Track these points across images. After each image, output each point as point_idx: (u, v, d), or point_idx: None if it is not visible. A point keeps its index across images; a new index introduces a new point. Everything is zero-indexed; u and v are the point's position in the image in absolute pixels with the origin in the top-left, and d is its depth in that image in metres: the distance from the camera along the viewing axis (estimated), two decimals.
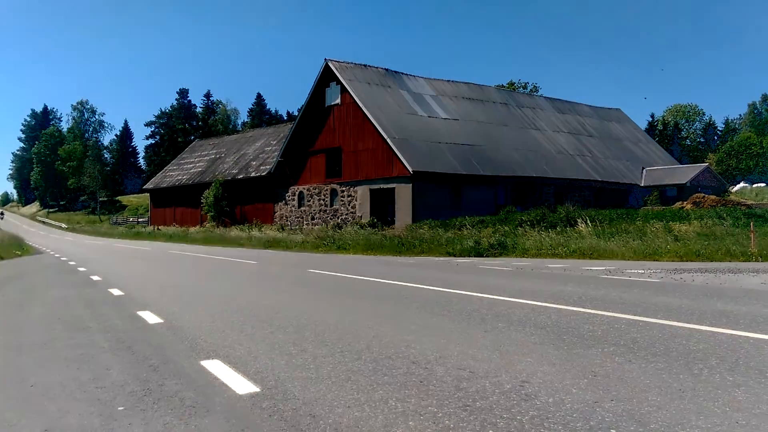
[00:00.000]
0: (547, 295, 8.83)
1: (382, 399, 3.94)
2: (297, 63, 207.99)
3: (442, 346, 5.49)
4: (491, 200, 37.24)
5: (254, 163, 51.24)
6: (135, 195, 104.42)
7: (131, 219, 79.33)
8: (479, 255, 19.56)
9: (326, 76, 40.43)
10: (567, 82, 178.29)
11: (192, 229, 48.97)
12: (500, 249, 20.17)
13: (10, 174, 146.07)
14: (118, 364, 5.20)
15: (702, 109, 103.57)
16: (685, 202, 37.22)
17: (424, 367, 4.74)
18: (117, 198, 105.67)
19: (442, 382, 4.30)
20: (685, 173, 47.45)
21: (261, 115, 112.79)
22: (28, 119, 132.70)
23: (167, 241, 42.95)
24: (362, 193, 37.71)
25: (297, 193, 43.26)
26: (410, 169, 33.79)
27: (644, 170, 49.35)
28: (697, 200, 36.26)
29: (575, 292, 9.18)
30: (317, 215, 41.16)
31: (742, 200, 41.89)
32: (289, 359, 5.12)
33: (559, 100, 55.07)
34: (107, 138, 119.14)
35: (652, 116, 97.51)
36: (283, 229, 40.55)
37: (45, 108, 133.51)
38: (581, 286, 9.96)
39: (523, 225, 25.16)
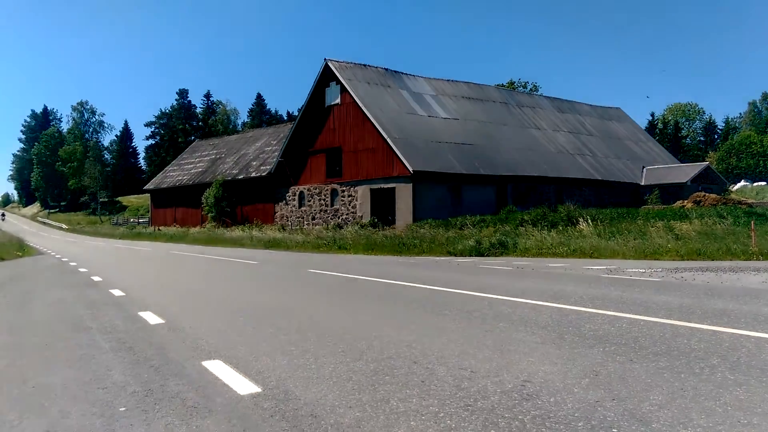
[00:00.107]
0: (548, 294, 8.83)
1: (384, 399, 3.94)
2: (297, 63, 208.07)
3: (444, 345, 5.49)
4: (491, 200, 37.22)
5: (254, 163, 51.23)
6: (135, 195, 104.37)
7: (132, 219, 79.31)
8: (480, 254, 19.56)
9: (326, 76, 40.41)
10: (567, 81, 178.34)
11: (193, 230, 48.96)
12: (501, 248, 20.16)
13: (10, 175, 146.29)
14: (120, 365, 5.21)
15: (702, 108, 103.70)
16: (686, 201, 37.20)
17: (425, 366, 4.75)
18: (117, 199, 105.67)
19: (443, 381, 4.30)
20: (685, 172, 47.41)
21: (261, 115, 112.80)
22: (28, 120, 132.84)
23: (168, 241, 42.97)
24: (362, 192, 37.71)
25: (297, 193, 43.26)
26: (410, 169, 33.78)
27: (644, 169, 49.31)
28: (698, 199, 36.24)
29: (576, 291, 9.18)
30: (318, 215, 41.15)
31: (742, 199, 41.87)
32: (290, 359, 5.12)
33: (559, 99, 55.05)
34: (107, 138, 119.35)
35: (653, 115, 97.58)
36: (283, 229, 40.54)
37: (45, 109, 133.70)
38: (582, 286, 9.96)
39: (524, 224, 25.14)
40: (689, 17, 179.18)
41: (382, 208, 36.61)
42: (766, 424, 3.31)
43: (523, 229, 23.76)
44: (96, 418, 3.81)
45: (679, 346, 5.22)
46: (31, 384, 4.71)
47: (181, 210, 58.80)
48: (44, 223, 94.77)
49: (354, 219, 37.61)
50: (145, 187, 71.59)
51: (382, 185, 36.33)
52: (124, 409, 3.97)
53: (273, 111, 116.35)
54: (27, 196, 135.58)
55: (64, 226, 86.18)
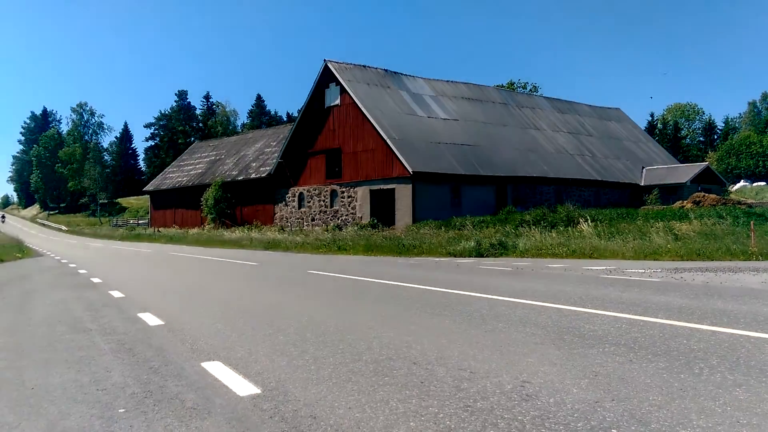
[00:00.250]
0: (547, 295, 8.83)
1: (383, 400, 3.94)
2: (296, 64, 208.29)
3: (443, 346, 5.49)
4: (491, 200, 37.24)
5: (254, 164, 51.23)
6: (135, 197, 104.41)
7: (131, 221, 79.31)
8: (480, 255, 19.56)
9: (325, 77, 40.43)
10: (566, 82, 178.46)
11: (192, 231, 48.94)
12: (501, 249, 20.16)
13: (10, 176, 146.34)
14: (119, 366, 5.21)
15: (701, 108, 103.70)
16: (685, 202, 37.21)
17: (424, 367, 4.74)
18: (117, 200, 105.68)
19: (442, 382, 4.30)
20: (685, 172, 47.42)
21: (261, 117, 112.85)
22: (28, 122, 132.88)
23: (168, 242, 42.96)
24: (362, 193, 37.71)
25: (297, 194, 43.26)
26: (410, 170, 33.79)
27: (644, 169, 49.34)
28: (697, 199, 36.26)
29: (576, 291, 9.18)
30: (317, 216, 41.15)
31: (742, 199, 41.93)
32: (289, 360, 5.12)
33: (559, 99, 55.07)
34: (107, 140, 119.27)
35: (652, 116, 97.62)
36: (283, 231, 40.54)
37: (44, 110, 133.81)
38: (581, 286, 9.96)
39: (524, 225, 25.16)
40: (689, 17, 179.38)
41: (382, 209, 36.61)
42: (766, 425, 3.31)
43: (523, 229, 23.77)
44: (95, 419, 3.81)
45: (678, 346, 5.22)
46: (31, 385, 4.71)
47: (181, 211, 58.79)
48: (44, 225, 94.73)
49: (354, 220, 37.61)
50: (144, 189, 71.61)
51: (382, 186, 36.34)
52: (123, 410, 3.97)
53: (273, 112, 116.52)
54: (26, 198, 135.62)
55: (63, 227, 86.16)
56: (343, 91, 39.02)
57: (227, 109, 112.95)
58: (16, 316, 8.73)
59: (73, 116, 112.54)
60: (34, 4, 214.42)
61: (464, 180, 36.29)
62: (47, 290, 12.32)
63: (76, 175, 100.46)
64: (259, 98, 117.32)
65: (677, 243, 17.59)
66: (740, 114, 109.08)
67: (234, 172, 52.35)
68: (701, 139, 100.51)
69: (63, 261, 23.65)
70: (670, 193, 44.30)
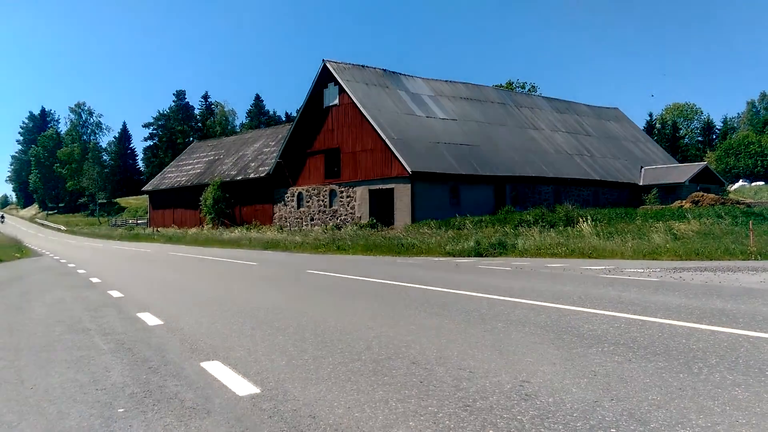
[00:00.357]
0: (546, 294, 8.83)
1: (383, 399, 3.94)
2: (295, 64, 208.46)
3: (442, 346, 5.49)
4: (490, 200, 37.25)
5: (253, 164, 51.21)
6: (134, 197, 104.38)
7: (130, 221, 79.27)
8: (479, 255, 19.56)
9: (324, 77, 40.41)
10: (565, 81, 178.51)
11: (191, 231, 48.90)
12: (500, 249, 20.17)
13: (8, 176, 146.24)
14: (118, 366, 5.20)
15: (700, 108, 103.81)
16: (684, 201, 37.25)
17: (424, 367, 4.74)
18: (116, 200, 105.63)
19: (442, 382, 4.31)
20: (683, 172, 47.44)
21: (259, 116, 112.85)
22: (26, 122, 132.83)
23: (166, 242, 42.94)
24: (361, 193, 37.70)
25: (296, 194, 43.25)
26: (409, 170, 33.79)
27: (643, 169, 49.36)
28: (696, 199, 36.29)
29: (575, 291, 9.19)
30: (316, 216, 41.14)
31: (740, 199, 41.98)
32: (289, 360, 5.12)
33: (557, 99, 55.09)
34: (105, 140, 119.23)
35: (651, 115, 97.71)
36: (282, 231, 40.52)
37: (43, 110, 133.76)
38: (581, 286, 9.97)
39: (523, 225, 25.18)
40: (688, 17, 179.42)
41: (381, 208, 36.61)
42: (765, 424, 3.31)
43: (522, 229, 23.78)
44: (95, 419, 3.81)
45: (677, 345, 5.23)
46: (30, 385, 4.71)
47: (180, 211, 58.75)
48: (42, 225, 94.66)
49: (353, 220, 37.60)
50: (143, 189, 71.57)
51: (381, 186, 36.34)
52: (122, 410, 3.97)
53: (271, 112, 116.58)
54: (25, 198, 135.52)
55: (62, 227, 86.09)
56: (341, 91, 39.01)
57: (226, 109, 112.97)
58: (15, 316, 8.73)
59: (72, 116, 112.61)
60: (31, 4, 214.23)
61: (463, 180, 36.30)
62: (46, 290, 12.31)
63: (75, 175, 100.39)
64: (257, 98, 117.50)
65: (676, 243, 17.61)
66: (739, 114, 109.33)
67: (233, 172, 52.32)
68: (700, 138, 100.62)
69: (62, 261, 23.63)
70: (668, 192, 44.33)
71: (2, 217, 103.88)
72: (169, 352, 5.71)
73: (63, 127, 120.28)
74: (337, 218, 39.16)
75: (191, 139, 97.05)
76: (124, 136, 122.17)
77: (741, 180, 72.55)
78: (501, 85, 71.66)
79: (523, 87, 78.42)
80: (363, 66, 41.86)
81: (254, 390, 4.25)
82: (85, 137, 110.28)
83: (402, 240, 24.95)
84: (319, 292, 10.60)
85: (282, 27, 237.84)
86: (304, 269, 15.89)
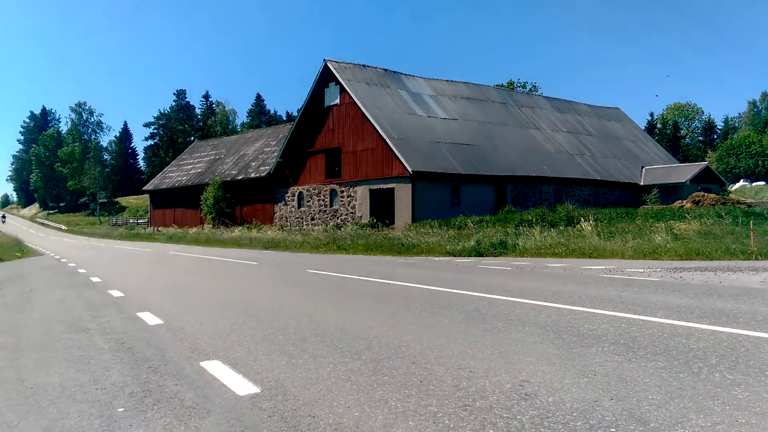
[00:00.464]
0: (546, 294, 8.83)
1: (382, 399, 3.94)
2: (296, 64, 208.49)
3: (442, 345, 5.49)
4: (491, 200, 37.24)
5: (254, 163, 51.22)
6: (135, 196, 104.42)
7: (131, 220, 79.29)
8: (479, 255, 19.56)
9: (325, 77, 40.40)
10: (566, 81, 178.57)
11: (192, 230, 48.90)
12: (500, 248, 20.16)
13: (9, 176, 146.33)
14: (118, 366, 5.21)
15: (701, 108, 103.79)
16: (685, 201, 37.23)
17: (424, 366, 4.75)
18: (116, 199, 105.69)
19: (441, 381, 4.31)
20: (684, 172, 47.41)
21: (260, 116, 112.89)
22: (27, 121, 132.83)
23: (167, 242, 42.95)
24: (362, 193, 37.70)
25: (296, 193, 43.25)
26: (410, 169, 33.78)
27: (643, 169, 49.33)
28: (697, 199, 36.27)
29: (575, 291, 9.18)
30: (317, 216, 41.15)
31: (741, 199, 41.95)
32: (289, 360, 5.12)
33: (558, 99, 55.05)
34: (106, 139, 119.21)
35: (652, 115, 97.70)
36: (282, 230, 40.53)
37: (43, 109, 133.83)
38: (581, 285, 9.96)
39: (523, 224, 25.16)
40: (689, 17, 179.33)
41: (382, 208, 36.61)
42: (765, 424, 3.31)
43: (523, 229, 23.77)
44: (94, 418, 3.81)
45: (677, 345, 5.22)
46: (30, 384, 4.71)
47: (180, 211, 58.76)
48: (43, 224, 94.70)
49: (353, 219, 37.60)
50: (144, 188, 71.58)
51: (381, 185, 36.33)
52: (122, 409, 3.97)
53: (272, 111, 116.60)
54: (26, 197, 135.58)
55: (63, 227, 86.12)
56: (342, 90, 39.00)
57: (227, 109, 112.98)
58: (15, 316, 8.73)
59: (72, 115, 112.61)
60: (32, 2, 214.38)
61: (464, 179, 36.29)
62: (46, 289, 12.32)
63: (76, 174, 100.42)
64: (258, 97, 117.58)
65: (677, 242, 17.59)
66: (740, 113, 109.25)
67: (233, 172, 52.33)
68: (701, 138, 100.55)
69: (62, 260, 23.64)
70: (669, 192, 44.31)
71: (3, 216, 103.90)
72: (169, 351, 5.71)
73: (64, 127, 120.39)
74: (338, 218, 39.16)
75: (192, 138, 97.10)
76: (125, 135, 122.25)
77: (742, 180, 72.52)
78: (502, 85, 71.65)
79: (524, 86, 78.39)
80: (364, 65, 41.86)
81: (254, 389, 4.26)
82: (85, 137, 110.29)
83: (402, 240, 24.95)
84: (320, 292, 10.61)
85: (283, 26, 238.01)
86: (305, 269, 15.90)
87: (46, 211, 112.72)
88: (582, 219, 23.78)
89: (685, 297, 8.24)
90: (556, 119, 50.41)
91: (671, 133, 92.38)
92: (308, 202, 42.14)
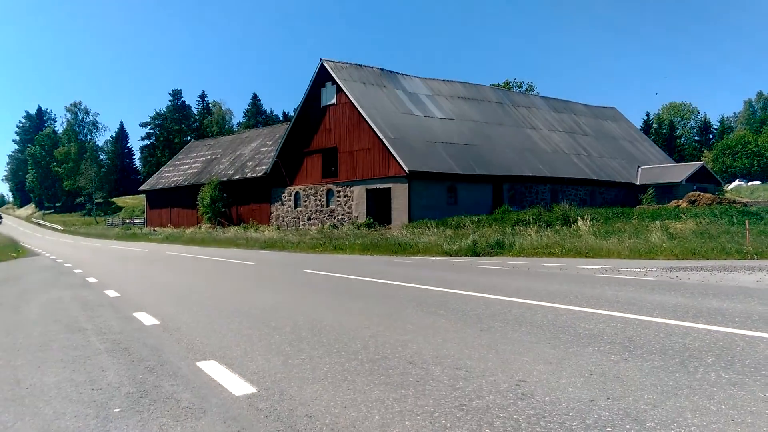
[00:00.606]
0: (543, 294, 8.84)
1: (379, 399, 3.94)
2: (292, 63, 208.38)
3: (439, 345, 5.50)
4: (487, 199, 37.29)
5: (250, 163, 51.17)
6: (131, 196, 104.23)
7: (127, 220, 79.14)
8: (476, 254, 19.57)
9: (322, 76, 40.39)
10: (562, 81, 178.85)
11: (188, 230, 48.85)
12: (497, 248, 20.17)
13: (5, 176, 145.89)
14: (114, 366, 5.19)
15: (696, 107, 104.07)
16: (681, 201, 37.32)
17: (420, 366, 4.75)
18: (113, 199, 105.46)
19: (438, 381, 4.31)
20: (680, 172, 47.53)
21: (257, 116, 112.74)
22: (23, 121, 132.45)
23: (163, 242, 42.87)
24: (358, 193, 37.70)
25: (293, 193, 43.22)
26: (406, 169, 33.79)
27: (639, 169, 49.44)
28: (693, 199, 36.36)
29: (571, 290, 9.20)
30: (313, 216, 41.13)
31: (737, 198, 42.03)
32: (285, 360, 5.12)
33: (555, 99, 55.15)
34: (102, 139, 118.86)
35: (648, 115, 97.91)
36: (279, 230, 40.51)
37: (39, 109, 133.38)
38: (577, 285, 9.98)
39: (520, 224, 25.20)
40: (685, 16, 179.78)
41: (378, 208, 36.62)
42: (760, 423, 3.32)
43: (519, 228, 23.80)
44: (90, 419, 3.81)
45: (673, 345, 5.24)
46: (26, 385, 4.70)
47: (177, 211, 58.68)
48: (39, 224, 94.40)
49: (350, 219, 37.60)
50: (140, 188, 71.45)
51: (378, 185, 36.33)
52: (118, 410, 3.96)
53: (268, 111, 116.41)
54: (22, 197, 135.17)
55: (59, 227, 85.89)
56: (339, 90, 39.00)
57: (223, 108, 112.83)
58: (11, 316, 8.71)
59: (68, 115, 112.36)
60: (27, 3, 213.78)
61: (460, 179, 36.32)
62: (42, 290, 12.29)
63: (72, 174, 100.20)
64: (254, 97, 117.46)
65: (672, 242, 17.63)
66: (735, 113, 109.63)
67: (230, 172, 52.27)
68: (697, 138, 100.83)
69: (58, 260, 23.58)
70: (665, 192, 44.40)
71: (0, 217, 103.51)
72: (166, 351, 5.70)
73: (59, 127, 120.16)
74: (335, 218, 39.15)
75: (188, 138, 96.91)
76: (121, 135, 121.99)
77: (738, 179, 72.75)
78: (498, 85, 71.73)
79: (520, 86, 78.50)
80: (360, 65, 41.86)
81: (251, 390, 4.25)
82: (81, 137, 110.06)
83: (399, 239, 24.95)
84: (316, 292, 10.60)
85: (280, 26, 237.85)
86: (301, 269, 15.89)
87: (42, 212, 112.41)
88: (578, 218, 23.82)
89: (681, 296, 8.26)
90: (553, 119, 50.49)
91: (667, 133, 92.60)
92: (305, 202, 42.12)
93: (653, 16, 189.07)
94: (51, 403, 4.19)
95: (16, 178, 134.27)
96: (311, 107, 41.42)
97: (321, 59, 40.39)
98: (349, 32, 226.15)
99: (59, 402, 4.20)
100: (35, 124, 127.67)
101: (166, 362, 5.25)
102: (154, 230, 56.50)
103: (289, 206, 43.52)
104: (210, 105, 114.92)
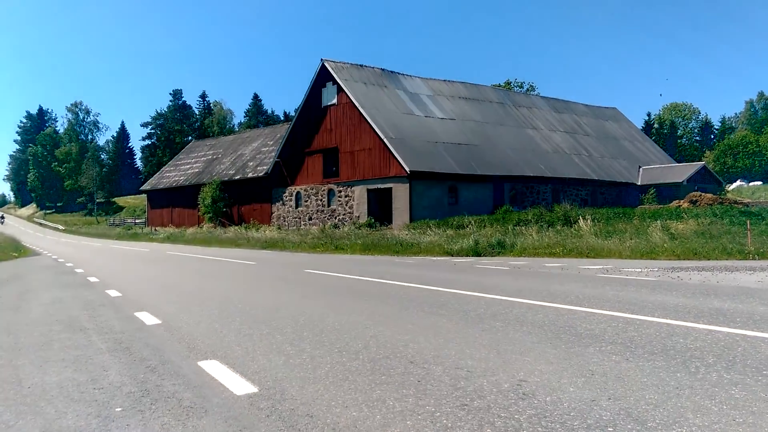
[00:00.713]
0: (544, 294, 8.84)
1: (380, 399, 3.94)
2: (293, 63, 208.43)
3: (440, 345, 5.49)
4: (488, 199, 37.28)
5: (251, 163, 51.19)
6: (132, 196, 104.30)
7: (128, 220, 79.20)
8: (477, 254, 19.56)
9: (323, 77, 40.39)
10: (563, 81, 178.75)
11: (189, 230, 48.87)
12: (498, 248, 20.16)
13: (6, 176, 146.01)
14: (116, 365, 5.20)
15: (698, 108, 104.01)
16: (682, 201, 37.29)
17: (421, 366, 4.75)
18: (114, 199, 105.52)
19: (439, 381, 4.31)
20: (681, 172, 47.50)
21: (258, 116, 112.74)
22: (24, 121, 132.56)
23: (164, 242, 42.89)
24: (359, 193, 37.70)
25: (294, 193, 43.23)
26: (407, 169, 33.79)
27: (641, 169, 49.41)
28: (694, 199, 36.34)
29: (572, 290, 9.19)
30: (315, 215, 41.13)
31: (738, 199, 42.03)
32: (286, 359, 5.12)
33: (556, 99, 55.14)
34: (103, 139, 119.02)
35: (649, 115, 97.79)
36: (280, 230, 40.51)
37: (40, 109, 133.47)
38: (578, 285, 9.97)
39: (521, 224, 25.18)
40: (685, 16, 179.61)
41: (379, 208, 36.62)
42: (762, 423, 3.32)
43: (520, 228, 23.79)
44: (92, 418, 3.81)
45: (674, 345, 5.23)
46: (28, 384, 4.70)
47: (178, 210, 58.71)
48: (40, 224, 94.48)
49: (351, 219, 37.60)
50: (141, 188, 71.52)
51: (379, 185, 36.33)
52: (120, 409, 3.96)
53: (269, 111, 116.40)
54: (23, 197, 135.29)
55: (60, 226, 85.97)
56: (340, 90, 39.00)
57: (224, 108, 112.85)
58: (12, 315, 8.72)
59: (69, 115, 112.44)
60: (28, 3, 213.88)
61: (461, 179, 36.31)
62: (44, 289, 12.30)
63: (73, 174, 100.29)
64: (256, 97, 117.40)
65: (674, 242, 17.62)
66: (737, 113, 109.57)
67: (231, 172, 52.29)
68: (698, 138, 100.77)
69: (60, 260, 23.60)
70: (666, 192, 44.38)
71: (2, 217, 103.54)
72: (167, 351, 5.70)
73: (61, 127, 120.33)
74: (336, 218, 39.15)
75: (189, 138, 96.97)
76: (122, 135, 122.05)
77: (739, 180, 72.71)
78: (499, 85, 71.68)
79: (521, 86, 78.43)
80: (361, 65, 41.86)
81: (252, 389, 4.25)
82: (82, 136, 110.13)
83: (400, 239, 24.94)
84: (317, 292, 10.60)
85: (280, 26, 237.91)
86: (302, 269, 15.89)
87: (44, 211, 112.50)
88: (579, 219, 23.81)
89: (682, 297, 8.25)
90: (554, 119, 50.47)
91: (668, 133, 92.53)
92: (306, 202, 42.13)
93: (653, 17, 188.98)
94: (53, 402, 4.20)
95: (17, 177, 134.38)
96: (312, 107, 41.43)
97: (322, 59, 40.41)
98: (349, 32, 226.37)
99: (61, 401, 4.21)
100: (36, 124, 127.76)
101: (167, 362, 5.26)
102: (155, 230, 56.54)
103: (290, 206, 43.53)
104: (211, 105, 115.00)
